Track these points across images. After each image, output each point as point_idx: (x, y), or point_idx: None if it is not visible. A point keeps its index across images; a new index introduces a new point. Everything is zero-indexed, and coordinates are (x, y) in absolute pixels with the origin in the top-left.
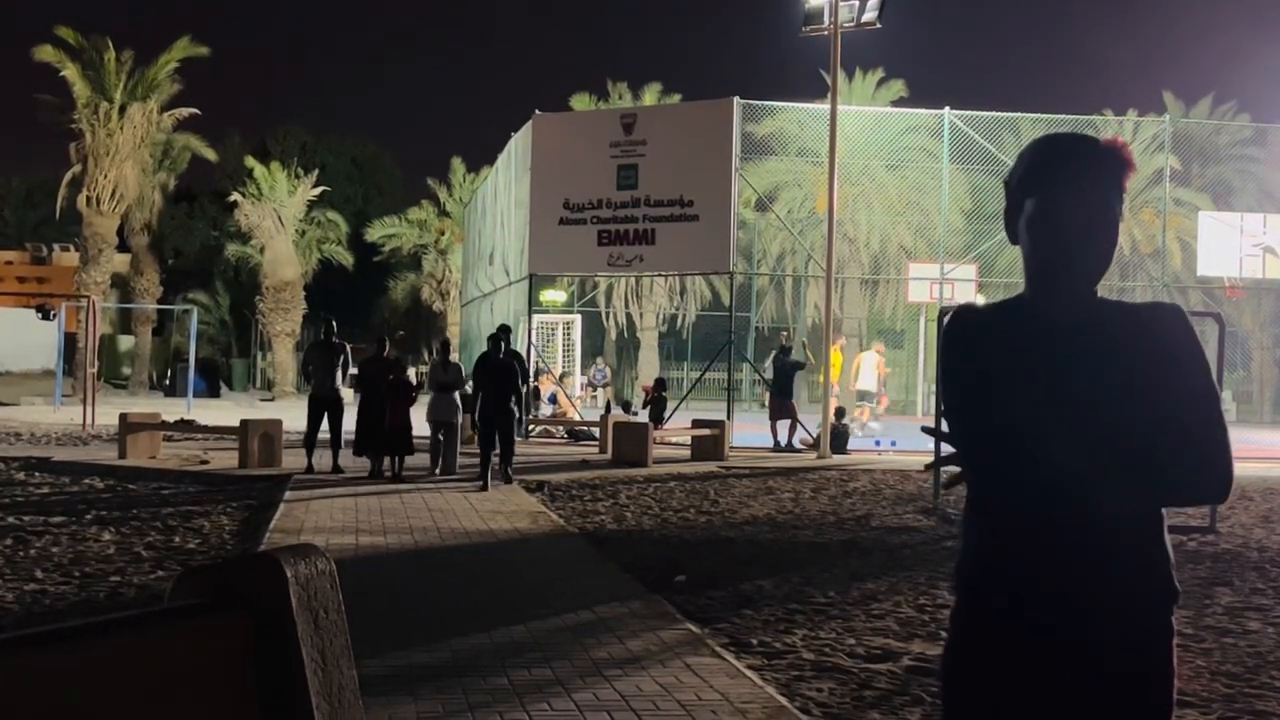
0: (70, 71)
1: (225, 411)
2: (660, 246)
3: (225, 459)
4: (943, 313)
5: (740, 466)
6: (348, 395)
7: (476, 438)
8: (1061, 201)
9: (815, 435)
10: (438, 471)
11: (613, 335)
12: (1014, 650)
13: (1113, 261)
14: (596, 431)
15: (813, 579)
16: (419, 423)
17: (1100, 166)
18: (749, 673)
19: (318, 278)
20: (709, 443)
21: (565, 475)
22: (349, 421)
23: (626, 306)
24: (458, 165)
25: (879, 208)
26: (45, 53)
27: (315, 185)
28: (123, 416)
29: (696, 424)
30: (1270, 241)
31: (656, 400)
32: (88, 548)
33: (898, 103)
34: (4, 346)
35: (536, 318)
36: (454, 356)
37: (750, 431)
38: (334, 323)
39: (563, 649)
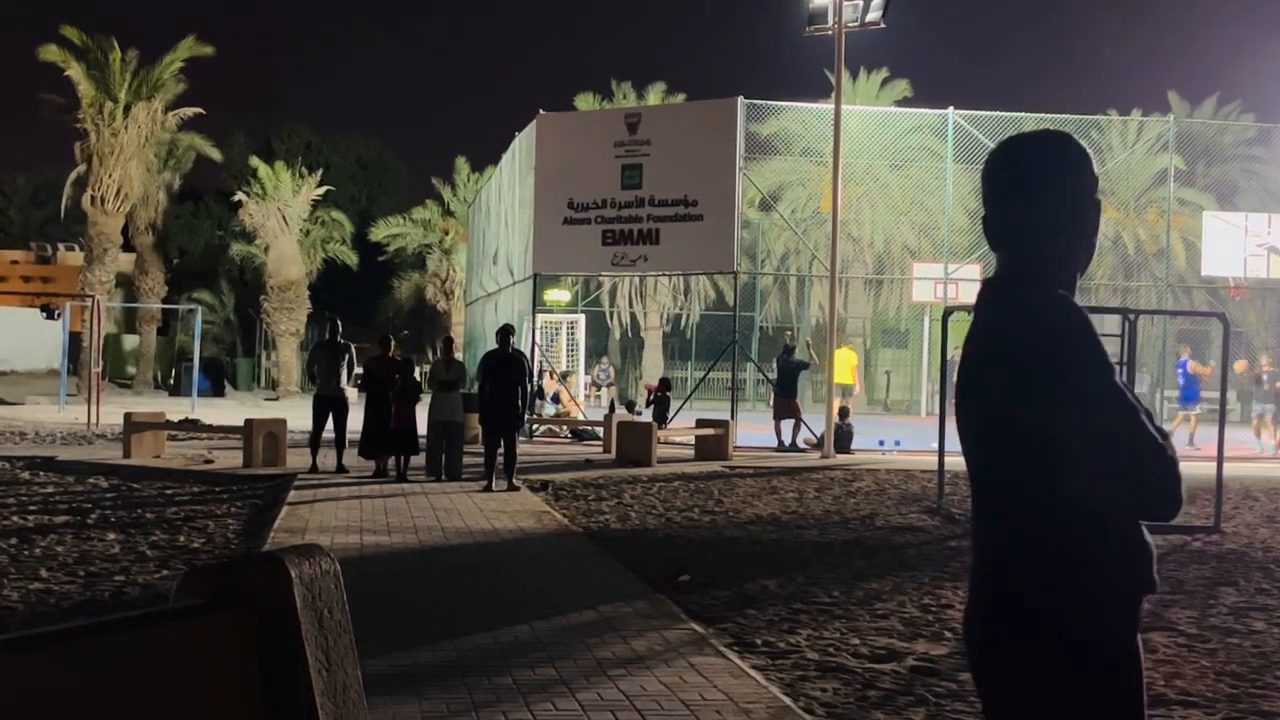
0: (75, 71)
1: (230, 411)
2: (664, 246)
3: (230, 458)
4: (947, 313)
5: (744, 466)
6: (352, 395)
7: (480, 436)
8: (1095, 201)
9: (819, 435)
10: (443, 476)
11: (617, 335)
12: (1028, 643)
13: (1121, 260)
14: (600, 431)
15: (817, 579)
16: (423, 422)
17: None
18: (753, 672)
19: (322, 277)
20: (713, 442)
21: (569, 475)
22: (355, 422)
23: (630, 306)
24: (462, 165)
25: (883, 207)
26: (50, 52)
27: (319, 185)
28: (127, 416)
29: (700, 424)
30: (1275, 241)
31: (660, 400)
32: (92, 547)
33: (902, 102)
34: (9, 346)
35: (540, 317)
36: (458, 355)
37: (754, 431)
38: (339, 322)
39: (567, 648)
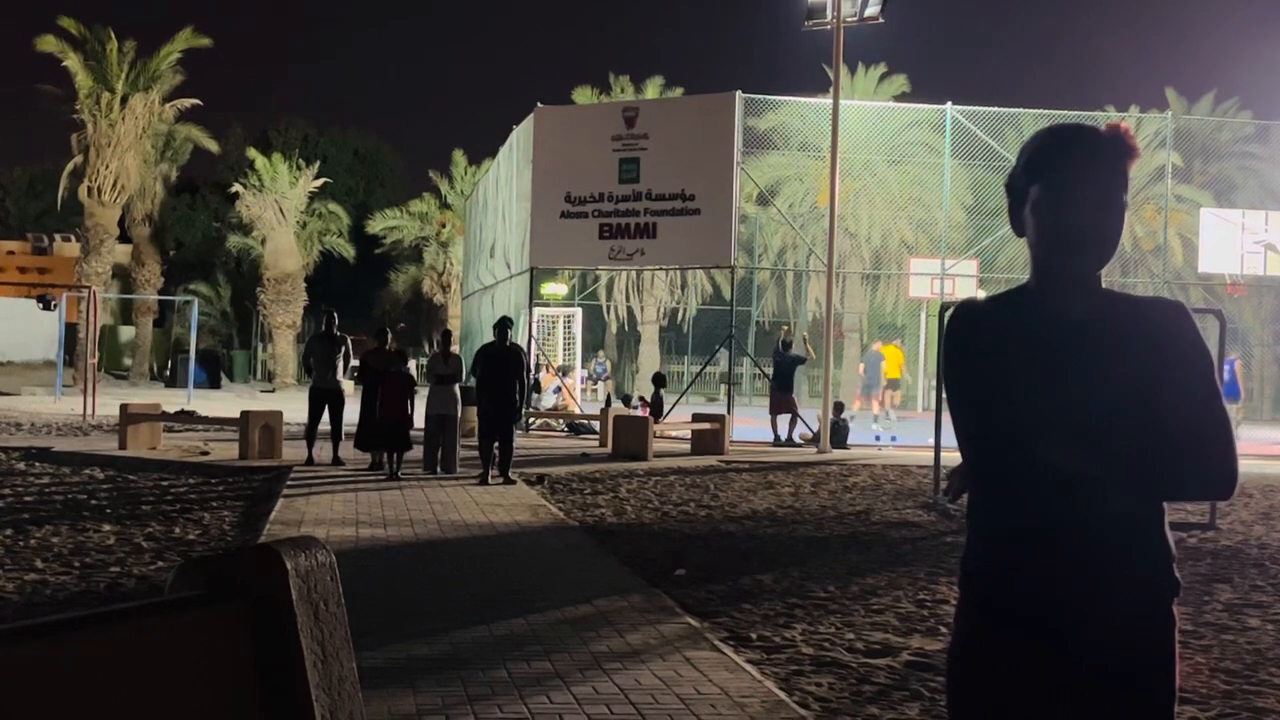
0: (72, 62)
1: (226, 403)
2: (661, 240)
3: (226, 450)
4: (944, 308)
5: (740, 461)
6: (349, 387)
7: (477, 430)
8: (1067, 187)
9: (815, 430)
10: (439, 470)
11: (613, 329)
12: (1018, 647)
13: (1115, 256)
14: (597, 425)
15: (812, 573)
16: (419, 417)
17: (1103, 151)
18: (748, 667)
19: (319, 270)
20: (709, 437)
21: (565, 469)
22: (351, 414)
23: (627, 300)
24: (459, 158)
25: (880, 203)
26: (47, 43)
27: (317, 177)
28: (123, 407)
29: (697, 418)
30: (1271, 239)
31: (655, 395)
32: (88, 538)
33: (900, 98)
34: (5, 336)
35: (537, 311)
36: (454, 348)
37: (751, 426)
38: (335, 315)
39: (562, 642)
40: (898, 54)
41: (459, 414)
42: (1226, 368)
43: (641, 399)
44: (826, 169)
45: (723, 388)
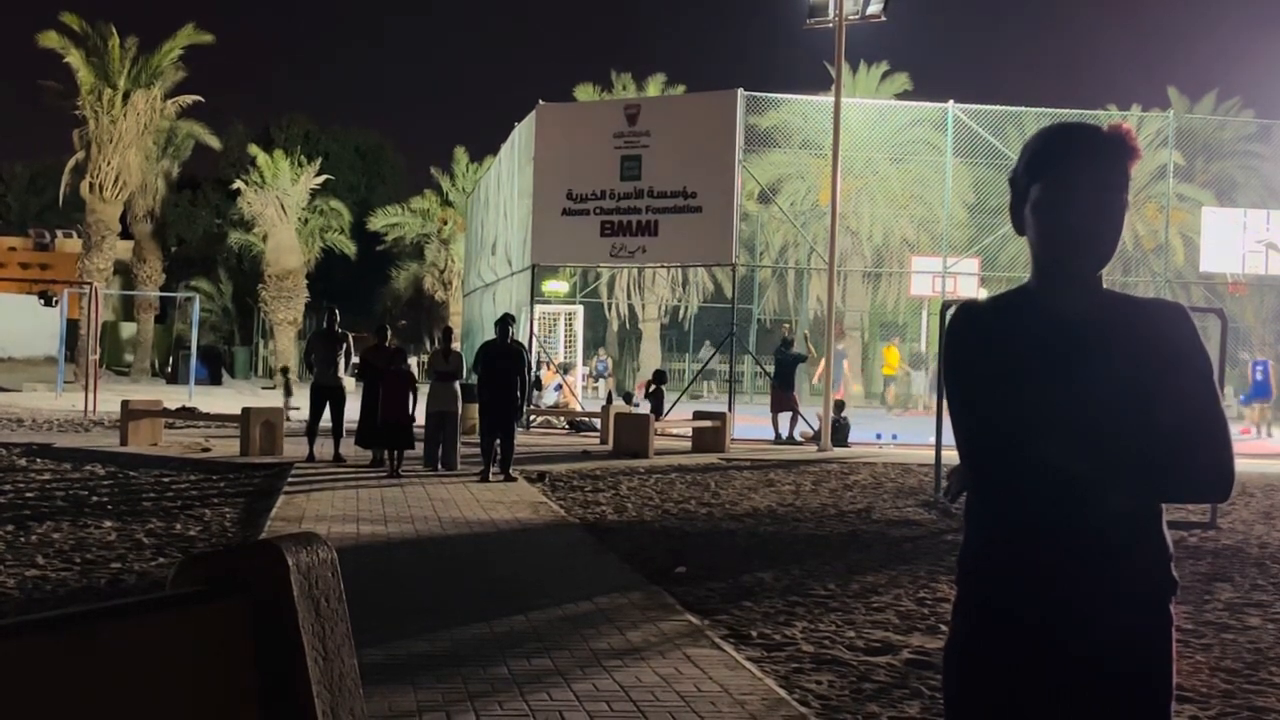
0: (74, 58)
1: (227, 399)
2: (663, 238)
3: (227, 447)
4: (945, 307)
5: (741, 459)
6: (350, 384)
7: (478, 427)
8: (1067, 187)
9: (816, 428)
10: (439, 467)
11: (615, 326)
12: (1015, 644)
13: (1116, 255)
14: (598, 422)
15: (813, 571)
16: (419, 414)
17: (1105, 152)
18: (748, 664)
19: (320, 266)
20: (710, 435)
21: (566, 466)
22: (352, 411)
23: (629, 298)
24: (461, 155)
25: (882, 201)
26: (49, 39)
27: (318, 174)
28: (124, 403)
29: (698, 415)
30: (1273, 238)
31: (655, 392)
32: (89, 534)
33: (902, 96)
34: (6, 332)
35: (538, 308)
36: (455, 345)
37: (751, 424)
38: (336, 312)
39: (562, 639)
40: (900, 52)
41: (460, 411)
42: (1260, 368)
43: (646, 384)
44: (828, 167)
45: (706, 384)
